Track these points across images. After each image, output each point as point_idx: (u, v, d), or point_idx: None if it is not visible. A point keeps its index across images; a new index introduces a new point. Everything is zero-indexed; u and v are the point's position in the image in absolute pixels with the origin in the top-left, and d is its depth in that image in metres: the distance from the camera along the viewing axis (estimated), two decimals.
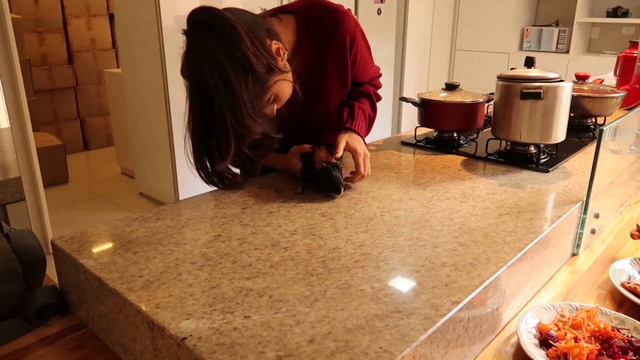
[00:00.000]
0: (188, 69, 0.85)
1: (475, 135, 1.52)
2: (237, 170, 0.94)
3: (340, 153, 1.07)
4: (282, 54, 0.94)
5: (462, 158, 1.35)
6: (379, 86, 1.32)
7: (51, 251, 0.87)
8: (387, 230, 0.88)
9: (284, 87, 0.95)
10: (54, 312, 0.84)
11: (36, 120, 3.96)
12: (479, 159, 1.34)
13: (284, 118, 0.98)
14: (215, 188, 0.95)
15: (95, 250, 0.82)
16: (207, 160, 0.85)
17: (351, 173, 1.10)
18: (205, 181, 0.88)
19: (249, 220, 0.93)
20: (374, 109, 1.25)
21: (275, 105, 0.96)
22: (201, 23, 0.84)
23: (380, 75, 1.33)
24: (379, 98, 1.29)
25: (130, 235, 0.87)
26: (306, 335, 0.60)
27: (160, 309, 0.65)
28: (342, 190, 1.03)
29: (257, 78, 0.84)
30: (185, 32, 0.85)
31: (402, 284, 0.71)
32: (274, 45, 0.93)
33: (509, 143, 1.36)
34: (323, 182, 1.04)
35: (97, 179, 3.89)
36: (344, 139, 1.10)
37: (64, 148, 3.68)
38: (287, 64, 0.96)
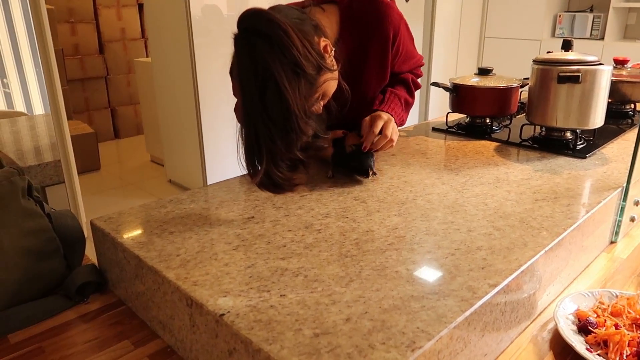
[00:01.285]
0: (239, 76, 0.83)
1: (508, 122, 1.49)
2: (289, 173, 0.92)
3: (365, 134, 1.06)
4: (329, 51, 0.93)
5: (495, 144, 1.33)
6: (419, 75, 1.30)
7: (87, 233, 0.89)
8: (421, 214, 0.88)
9: (332, 84, 0.94)
10: (93, 290, 0.87)
11: (69, 109, 4.06)
12: (512, 145, 1.31)
13: (333, 116, 0.97)
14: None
15: (133, 229, 0.83)
16: (259, 165, 0.85)
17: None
18: (259, 186, 0.87)
19: (281, 203, 0.93)
20: (410, 94, 1.23)
21: (322, 102, 0.96)
22: (252, 29, 0.82)
23: (422, 65, 1.31)
24: (417, 86, 1.27)
25: (166, 216, 0.88)
26: (342, 314, 0.60)
27: (198, 286, 0.66)
28: (371, 173, 1.03)
29: (308, 80, 0.83)
30: (235, 37, 0.83)
31: (438, 267, 0.70)
32: (322, 42, 0.91)
33: (544, 129, 1.33)
34: (353, 165, 1.04)
35: (128, 166, 3.97)
36: (372, 115, 1.09)
37: (96, 136, 3.76)
38: (334, 61, 0.95)
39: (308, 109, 0.87)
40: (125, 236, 0.81)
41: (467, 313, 0.60)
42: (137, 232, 0.83)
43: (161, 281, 0.70)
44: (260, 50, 0.80)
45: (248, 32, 0.82)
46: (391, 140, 1.07)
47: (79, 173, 3.69)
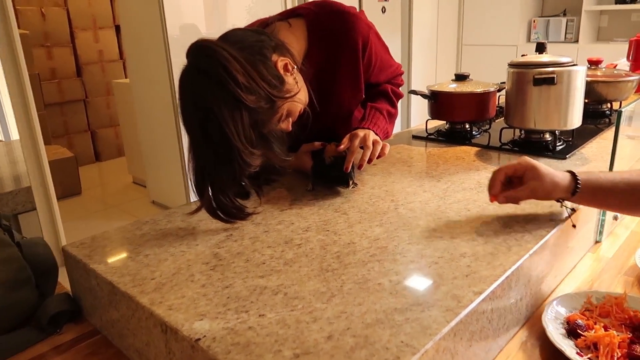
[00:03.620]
0: (182, 109, 0.83)
1: (487, 126, 1.49)
2: (243, 201, 0.91)
3: (343, 146, 1.04)
4: (290, 69, 0.92)
5: (475, 149, 1.32)
6: (399, 84, 1.30)
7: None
8: (403, 223, 0.86)
9: (295, 105, 0.93)
10: (67, 320, 0.83)
11: (47, 133, 4.00)
12: (493, 149, 1.31)
13: (295, 136, 0.96)
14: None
15: (107, 254, 0.80)
16: (208, 193, 0.84)
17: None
18: (210, 214, 0.86)
19: (260, 219, 0.91)
20: (392, 105, 1.22)
21: (290, 121, 0.94)
22: (193, 64, 0.82)
23: (401, 73, 1.30)
24: (399, 95, 1.26)
25: (142, 238, 0.86)
26: (324, 331, 0.58)
27: (173, 310, 0.63)
28: (352, 183, 1.01)
29: (255, 112, 0.82)
30: (182, 70, 0.83)
31: (421, 276, 0.69)
32: (281, 62, 0.90)
33: (523, 131, 1.32)
34: (333, 176, 1.02)
35: (110, 189, 3.92)
36: (350, 134, 1.08)
37: (76, 160, 3.70)
38: (298, 78, 0.94)
39: (271, 131, 0.86)
40: (97, 262, 0.78)
41: (453, 323, 0.58)
42: (111, 256, 0.80)
43: (135, 307, 0.67)
44: (199, 86, 0.80)
45: (190, 66, 0.82)
46: (374, 146, 1.05)
47: (59, 198, 3.62)
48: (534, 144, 1.28)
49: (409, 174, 1.13)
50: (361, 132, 1.08)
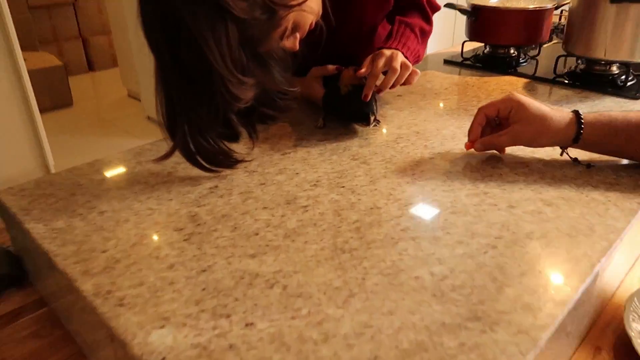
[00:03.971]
0: (143, 23, 0.57)
1: (536, 52, 1.24)
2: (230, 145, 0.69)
3: (364, 69, 0.81)
4: None
5: (523, 80, 1.08)
6: None
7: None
8: (442, 182, 0.65)
9: (304, 15, 0.67)
10: (7, 283, 0.65)
11: (33, 39, 3.69)
12: (544, 82, 1.07)
13: (303, 59, 0.72)
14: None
15: (49, 208, 0.61)
16: (183, 134, 0.62)
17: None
18: (187, 159, 0.65)
19: (256, 165, 0.71)
20: (426, 20, 0.96)
21: (298, 36, 0.69)
22: None
23: None
24: (435, 8, 1.00)
25: (100, 186, 0.66)
26: None
27: (124, 307, 0.45)
28: (373, 120, 0.79)
29: (248, 24, 0.57)
30: None
31: (475, 269, 0.49)
32: None
33: (583, 61, 1.08)
34: (349, 110, 0.80)
35: (103, 102, 3.67)
36: (373, 54, 0.85)
37: (65, 69, 3.43)
38: None
39: (270, 52, 0.63)
40: (36, 219, 0.58)
41: (530, 357, 0.39)
42: (55, 212, 0.60)
43: (76, 295, 0.48)
44: None
45: None
46: (402, 70, 0.81)
47: (48, 110, 3.40)
48: (598, 77, 1.04)
49: (444, 110, 0.91)
50: (387, 52, 0.84)
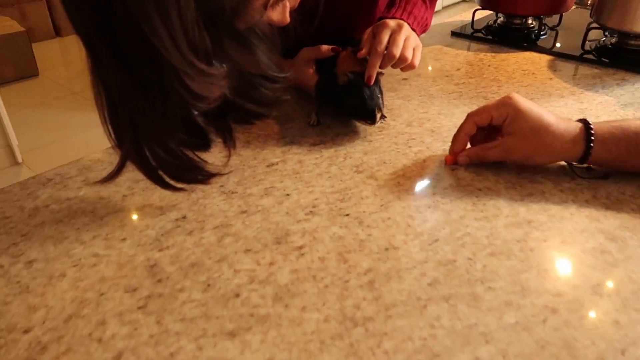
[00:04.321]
0: None
1: (556, 21, 1.08)
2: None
3: (365, 49, 0.66)
4: None
5: (545, 57, 0.93)
6: None
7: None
8: (472, 205, 0.52)
9: None
10: None
11: None
12: (570, 59, 0.92)
13: (294, 38, 0.56)
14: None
15: None
16: (135, 144, 0.46)
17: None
18: (145, 174, 0.48)
19: (235, 182, 0.56)
20: None
21: (287, 6, 0.52)
22: None
23: None
24: None
25: (32, 219, 0.51)
26: None
27: None
28: (379, 117, 0.63)
29: None
30: None
31: (536, 349, 0.36)
32: None
33: (615, 34, 0.93)
34: (349, 105, 0.64)
35: (72, 71, 3.42)
36: (371, 28, 0.69)
37: (29, 35, 3.16)
38: None
39: (253, 28, 0.46)
40: None
41: None
42: None
43: None
44: None
45: None
46: (403, 59, 0.67)
47: (10, 81, 3.15)
48: (633, 54, 0.90)
49: (460, 98, 0.76)
50: (390, 23, 0.68)
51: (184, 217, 0.50)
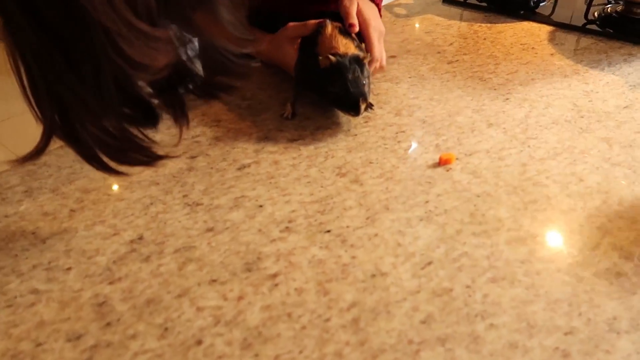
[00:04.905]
0: None
1: None
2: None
3: (354, 23, 0.59)
4: None
5: (544, 28, 0.86)
6: None
7: None
8: (470, 216, 0.46)
9: None
10: None
11: None
12: (572, 30, 0.85)
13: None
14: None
15: None
16: (63, 118, 0.37)
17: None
18: (79, 155, 0.40)
19: (200, 191, 0.49)
20: None
21: None
22: None
23: None
24: None
25: None
26: None
27: None
28: (364, 107, 0.55)
29: None
30: None
31: None
32: None
33: (621, 2, 0.85)
34: (330, 92, 0.56)
35: None
36: (354, 2, 0.62)
37: None
38: None
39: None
40: None
41: None
42: None
43: None
44: None
45: None
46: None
47: None
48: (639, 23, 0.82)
49: (454, 79, 0.69)
50: (376, 23, 0.61)
51: (141, 238, 0.44)
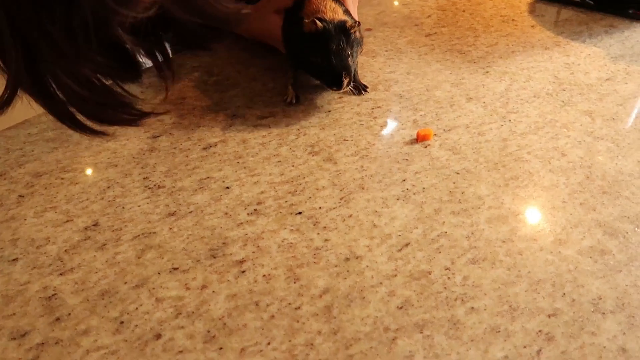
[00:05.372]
0: None
1: None
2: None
3: None
4: None
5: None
6: None
7: None
8: (449, 194, 0.43)
9: None
10: None
11: None
12: (551, 1, 0.82)
13: None
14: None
15: None
16: (33, 67, 0.32)
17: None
18: (50, 113, 0.35)
19: (163, 172, 0.46)
20: None
21: None
22: None
23: None
24: None
25: None
26: None
27: None
28: (347, 81, 0.51)
29: None
30: None
31: None
32: None
33: None
34: (313, 62, 0.52)
35: None
36: None
37: None
38: None
39: None
40: None
41: None
42: None
43: None
44: None
45: None
46: None
47: None
48: None
49: (432, 52, 0.66)
50: None
51: (96, 225, 0.40)
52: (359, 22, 0.51)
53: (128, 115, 0.35)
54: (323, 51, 0.50)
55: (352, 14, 0.57)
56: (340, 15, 0.52)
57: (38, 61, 0.30)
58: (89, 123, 0.34)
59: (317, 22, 0.49)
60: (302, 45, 0.52)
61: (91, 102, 0.33)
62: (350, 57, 0.51)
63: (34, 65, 0.30)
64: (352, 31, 0.51)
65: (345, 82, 0.51)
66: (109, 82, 0.34)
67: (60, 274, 0.36)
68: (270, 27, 0.60)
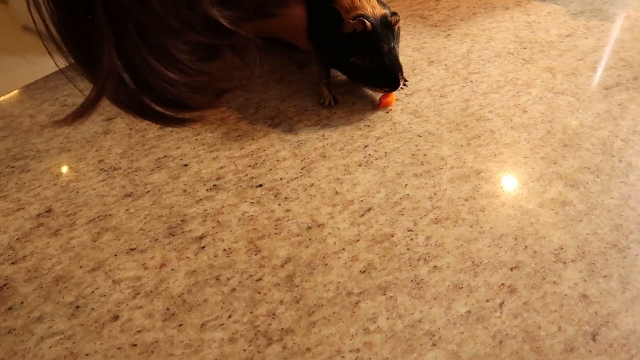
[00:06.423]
0: None
1: None
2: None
3: None
4: None
5: None
6: None
7: None
8: (411, 156, 0.43)
9: None
10: None
11: None
12: None
13: None
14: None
15: None
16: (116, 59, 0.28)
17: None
18: (123, 109, 0.30)
19: (119, 153, 0.44)
20: None
21: None
22: None
23: None
24: None
25: None
26: None
27: None
28: (403, 80, 0.47)
29: None
30: None
31: (493, 348, 0.29)
32: None
33: None
34: (357, 66, 0.45)
35: None
36: None
37: None
38: None
39: None
40: None
41: None
42: None
43: None
44: None
45: None
46: None
47: None
48: None
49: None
50: None
51: (49, 211, 0.39)
52: (396, 13, 0.46)
53: (213, 97, 0.32)
54: (374, 54, 0.44)
55: None
56: (376, 7, 0.45)
57: (126, 44, 0.27)
58: (170, 112, 0.30)
59: (366, 21, 0.43)
60: (343, 46, 0.45)
61: (180, 86, 0.29)
62: (396, 47, 0.46)
63: (124, 51, 0.27)
64: (395, 25, 0.45)
65: (402, 82, 0.46)
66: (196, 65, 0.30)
67: (12, 263, 0.35)
68: (291, 23, 0.50)
